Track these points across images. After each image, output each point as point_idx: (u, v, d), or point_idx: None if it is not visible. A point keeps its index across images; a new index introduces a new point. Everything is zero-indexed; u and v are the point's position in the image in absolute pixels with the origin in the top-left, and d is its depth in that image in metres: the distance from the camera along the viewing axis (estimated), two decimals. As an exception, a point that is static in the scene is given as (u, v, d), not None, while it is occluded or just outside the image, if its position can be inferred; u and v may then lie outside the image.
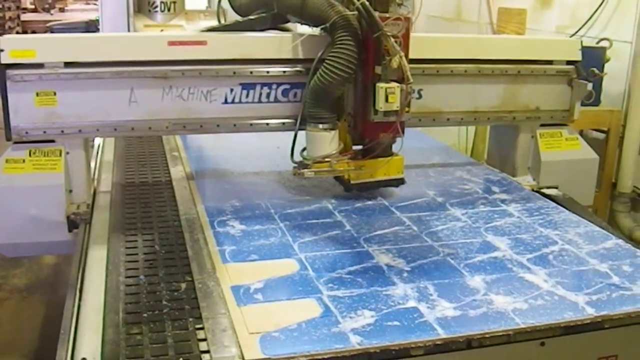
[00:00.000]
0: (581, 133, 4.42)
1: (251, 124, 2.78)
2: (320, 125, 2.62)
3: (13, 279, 4.50)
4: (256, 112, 2.77)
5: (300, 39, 2.73)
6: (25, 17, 9.93)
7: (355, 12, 2.51)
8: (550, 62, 3.09)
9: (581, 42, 3.16)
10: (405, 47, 2.52)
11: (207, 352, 1.72)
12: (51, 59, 2.56)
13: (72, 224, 2.62)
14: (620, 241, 2.44)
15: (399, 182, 2.84)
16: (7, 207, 2.59)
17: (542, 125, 3.20)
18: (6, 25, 9.18)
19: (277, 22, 2.91)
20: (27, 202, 2.59)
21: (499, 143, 3.42)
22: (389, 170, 2.77)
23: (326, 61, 2.54)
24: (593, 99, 3.12)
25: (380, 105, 2.50)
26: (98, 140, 3.66)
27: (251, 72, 2.71)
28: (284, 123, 2.80)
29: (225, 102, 2.73)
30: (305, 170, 2.61)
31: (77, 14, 10.49)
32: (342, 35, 2.51)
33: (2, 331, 3.90)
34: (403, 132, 2.61)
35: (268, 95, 2.75)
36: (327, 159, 2.62)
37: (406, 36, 2.52)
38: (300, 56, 2.74)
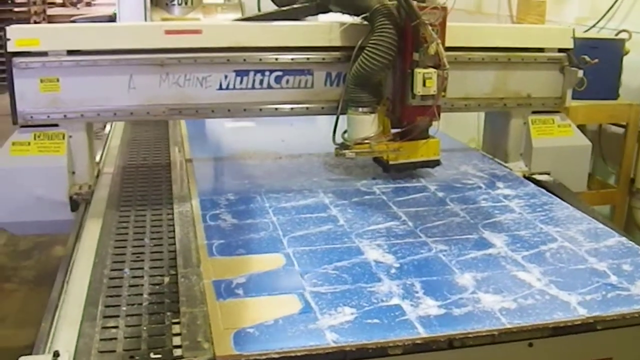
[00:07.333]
0: (599, 127, 4.35)
1: (245, 110, 2.84)
2: (361, 109, 2.73)
3: (22, 271, 4.54)
4: (250, 98, 2.83)
5: (295, 27, 2.81)
6: (52, 11, 10.04)
7: (395, 2, 2.64)
8: (541, 50, 3.10)
9: (573, 30, 3.13)
10: (442, 34, 2.65)
11: (180, 346, 1.68)
12: (54, 47, 2.67)
13: (74, 204, 2.72)
14: (623, 239, 2.35)
15: (436, 163, 2.96)
16: (14, 187, 2.71)
17: (535, 112, 3.19)
18: (32, 20, 9.28)
19: (320, 12, 3.02)
20: (32, 183, 2.70)
21: (492, 129, 3.43)
22: (427, 151, 2.90)
23: (367, 48, 2.64)
24: (585, 86, 3.07)
25: (418, 89, 2.63)
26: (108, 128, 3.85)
27: (244, 60, 2.77)
28: (276, 109, 2.86)
29: (220, 88, 2.80)
30: (347, 151, 2.73)
31: (103, 8, 10.56)
32: (382, 23, 2.62)
33: (9, 322, 3.93)
34: (439, 116, 2.75)
35: (261, 81, 2.82)
36: (367, 141, 2.73)
37: (443, 24, 2.66)
38: (292, 44, 2.80)
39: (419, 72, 2.61)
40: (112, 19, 8.43)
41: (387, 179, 2.90)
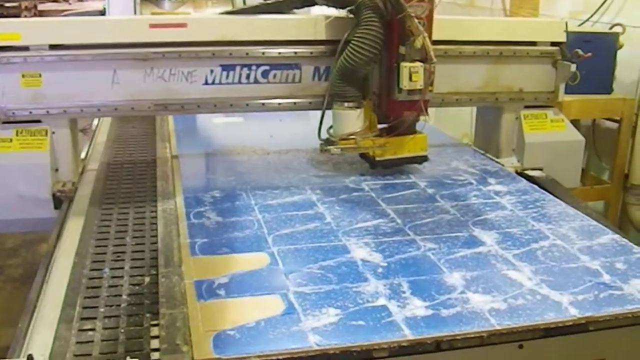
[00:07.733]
0: (593, 122, 4.30)
1: (231, 105, 2.79)
2: (346, 104, 2.68)
3: (8, 269, 4.48)
4: (236, 93, 2.78)
5: (281, 20, 2.78)
6: (43, 6, 9.92)
7: None
8: (534, 44, 3.05)
9: (566, 23, 3.08)
10: (429, 28, 2.59)
11: (158, 349, 1.63)
12: (36, 41, 2.61)
13: (57, 202, 2.68)
14: (616, 236, 2.30)
15: (423, 159, 2.91)
16: None
17: (528, 106, 3.15)
18: (22, 15, 9.17)
19: (305, 5, 2.97)
20: (14, 180, 2.66)
21: (483, 124, 3.38)
22: (414, 147, 2.85)
23: (352, 42, 2.58)
24: (578, 80, 3.02)
25: (405, 84, 2.58)
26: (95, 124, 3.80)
27: (230, 54, 2.72)
28: (263, 104, 2.81)
29: (206, 83, 2.75)
30: (332, 147, 2.69)
31: (95, 3, 10.44)
32: (367, 16, 2.55)
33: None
34: (427, 111, 2.67)
35: (248, 76, 2.77)
36: (352, 136, 2.69)
37: (429, 17, 2.59)
38: (278, 38, 2.76)
39: (405, 66, 2.56)
40: (102, 13, 8.37)
41: (376, 176, 2.84)
